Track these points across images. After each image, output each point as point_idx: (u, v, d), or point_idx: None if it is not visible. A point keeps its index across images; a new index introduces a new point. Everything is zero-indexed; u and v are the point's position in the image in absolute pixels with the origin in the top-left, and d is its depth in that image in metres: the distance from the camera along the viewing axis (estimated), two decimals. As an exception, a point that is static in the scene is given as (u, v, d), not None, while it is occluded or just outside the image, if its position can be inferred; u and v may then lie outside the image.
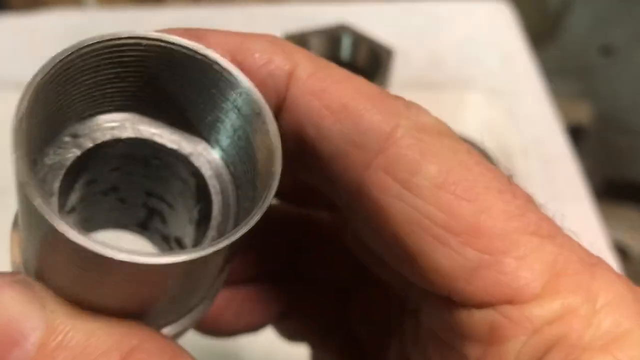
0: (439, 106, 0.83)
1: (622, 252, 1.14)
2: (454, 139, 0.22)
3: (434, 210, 0.21)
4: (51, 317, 0.20)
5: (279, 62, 0.22)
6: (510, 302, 0.20)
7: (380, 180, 0.21)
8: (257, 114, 0.22)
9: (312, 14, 0.75)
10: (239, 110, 0.22)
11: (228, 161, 0.24)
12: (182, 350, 0.21)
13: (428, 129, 0.22)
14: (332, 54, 0.58)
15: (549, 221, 0.21)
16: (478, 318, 0.21)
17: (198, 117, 0.24)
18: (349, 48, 0.58)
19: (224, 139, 0.24)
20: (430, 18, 0.82)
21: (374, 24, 0.68)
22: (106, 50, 0.21)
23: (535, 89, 0.75)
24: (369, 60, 0.56)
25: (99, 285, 0.20)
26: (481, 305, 0.21)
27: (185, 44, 0.22)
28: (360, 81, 0.22)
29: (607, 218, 0.64)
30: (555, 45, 1.56)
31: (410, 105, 0.22)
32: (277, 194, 0.21)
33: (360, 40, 0.57)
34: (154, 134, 0.24)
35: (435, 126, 0.22)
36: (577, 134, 1.26)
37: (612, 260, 0.59)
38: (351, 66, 0.57)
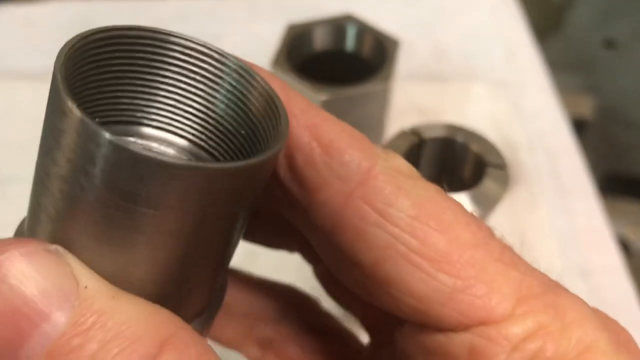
0: (443, 98, 0.82)
1: (624, 246, 1.14)
2: (424, 181, 0.25)
3: (409, 238, 0.23)
4: (86, 293, 0.19)
5: (276, 89, 0.24)
6: (484, 323, 0.22)
7: (360, 209, 0.23)
8: (252, 80, 0.23)
9: (316, 4, 0.74)
10: (231, 89, 0.24)
11: (212, 151, 0.25)
12: (207, 342, 0.21)
13: (402, 171, 0.24)
14: (337, 45, 0.57)
15: (510, 250, 0.24)
16: (456, 341, 0.22)
17: (184, 113, 0.24)
18: (354, 38, 0.57)
19: (209, 127, 0.24)
20: (436, 10, 0.82)
21: (379, 15, 0.67)
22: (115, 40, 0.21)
23: (540, 82, 0.75)
24: (374, 51, 0.55)
25: (141, 234, 0.19)
26: (457, 328, 0.22)
27: (189, 37, 0.23)
28: (344, 124, 0.25)
29: (609, 212, 0.64)
30: (558, 39, 1.56)
31: (386, 151, 0.25)
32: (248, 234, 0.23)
33: (365, 30, 0.56)
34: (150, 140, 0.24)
35: (408, 170, 0.24)
36: (579, 128, 1.25)
37: (616, 255, 0.59)
38: (356, 57, 0.57)
